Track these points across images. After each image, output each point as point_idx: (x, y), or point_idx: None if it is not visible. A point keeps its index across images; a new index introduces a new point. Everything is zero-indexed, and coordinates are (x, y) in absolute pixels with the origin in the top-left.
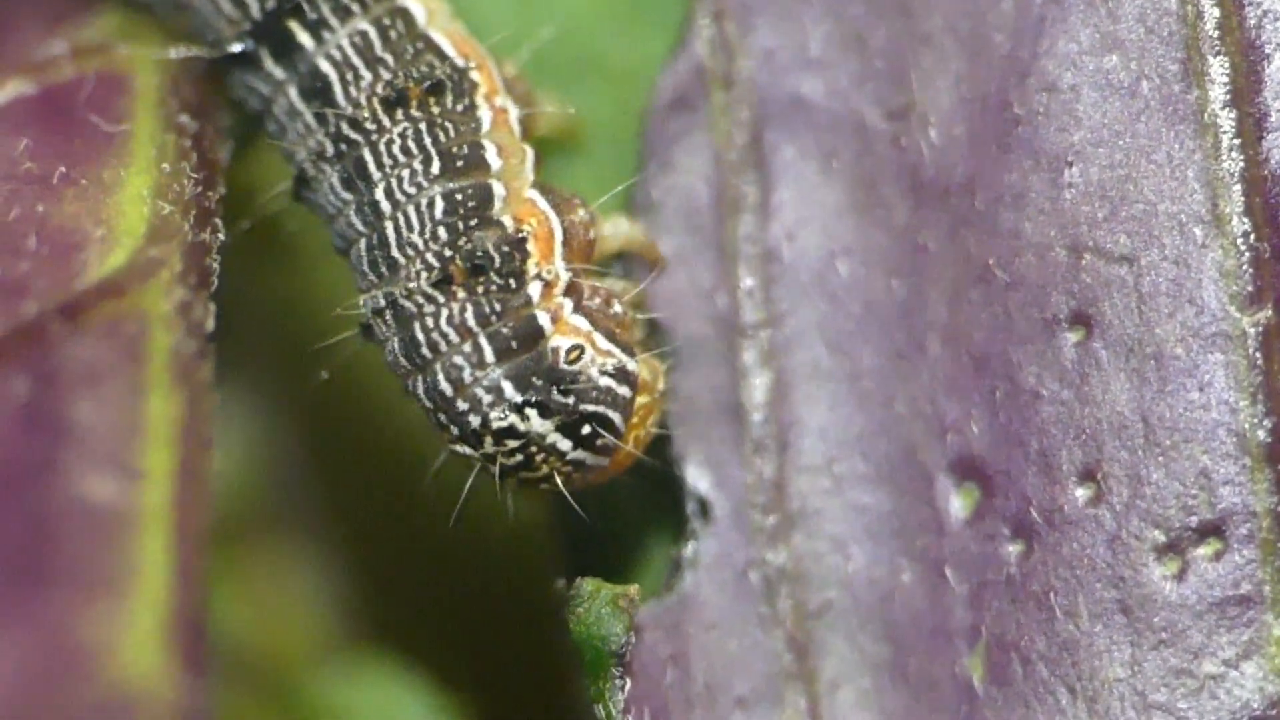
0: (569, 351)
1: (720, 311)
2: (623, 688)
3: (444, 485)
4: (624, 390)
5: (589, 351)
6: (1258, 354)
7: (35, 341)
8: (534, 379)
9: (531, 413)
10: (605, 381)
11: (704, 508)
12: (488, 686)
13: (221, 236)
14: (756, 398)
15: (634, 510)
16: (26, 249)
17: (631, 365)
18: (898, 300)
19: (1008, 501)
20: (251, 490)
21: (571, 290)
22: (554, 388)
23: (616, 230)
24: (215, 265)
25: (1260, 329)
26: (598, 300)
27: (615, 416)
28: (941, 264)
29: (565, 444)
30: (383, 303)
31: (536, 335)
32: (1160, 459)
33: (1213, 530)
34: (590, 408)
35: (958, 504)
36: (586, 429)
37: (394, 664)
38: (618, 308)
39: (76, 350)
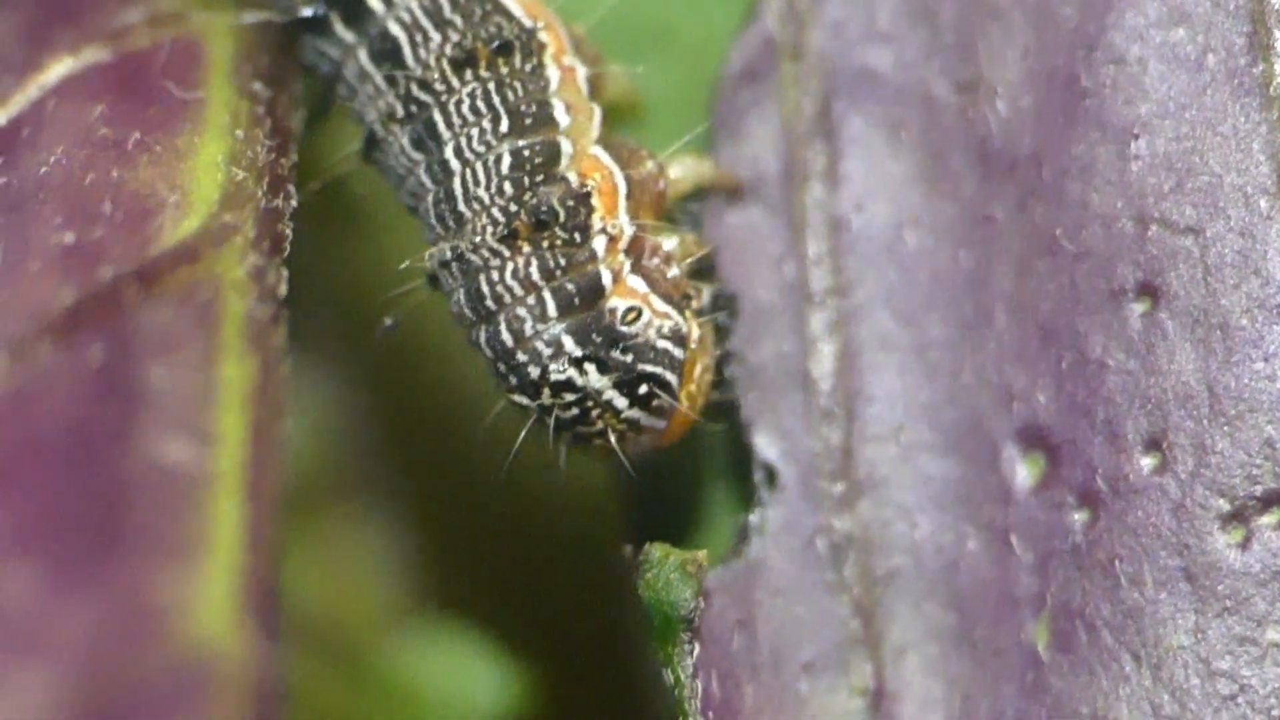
0: (626, 313)
1: (788, 280)
2: (692, 653)
3: (514, 456)
4: (679, 352)
5: (646, 313)
6: None
7: (110, 307)
8: (594, 335)
9: (590, 367)
10: (662, 344)
11: (771, 475)
12: (555, 652)
13: (294, 203)
14: (824, 366)
15: (699, 476)
16: (101, 215)
17: (685, 327)
18: (965, 270)
19: (1074, 470)
20: (321, 457)
21: (634, 247)
22: (613, 345)
23: (685, 170)
24: (288, 232)
25: None
26: (656, 260)
27: (671, 378)
28: (1009, 235)
29: (621, 401)
30: (449, 255)
31: (598, 292)
32: (1225, 428)
33: (1277, 499)
34: (647, 367)
35: (1024, 473)
36: (643, 388)
37: (462, 630)
38: (675, 270)
39: (151, 316)
